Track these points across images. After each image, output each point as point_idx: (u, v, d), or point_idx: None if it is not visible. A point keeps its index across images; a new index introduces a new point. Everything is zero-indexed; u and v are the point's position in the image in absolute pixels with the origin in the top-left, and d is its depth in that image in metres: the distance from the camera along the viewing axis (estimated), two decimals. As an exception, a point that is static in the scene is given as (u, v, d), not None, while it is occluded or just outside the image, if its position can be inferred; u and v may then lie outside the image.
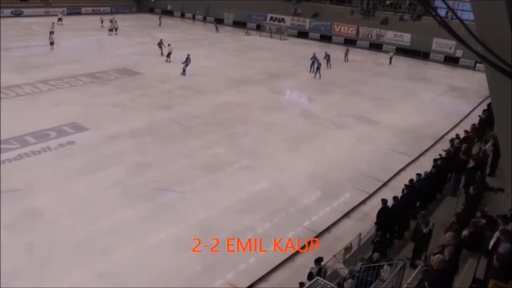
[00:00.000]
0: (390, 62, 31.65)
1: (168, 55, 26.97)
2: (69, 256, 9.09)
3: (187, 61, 24.40)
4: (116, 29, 36.22)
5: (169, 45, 27.46)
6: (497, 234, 6.44)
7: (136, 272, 8.79)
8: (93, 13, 44.85)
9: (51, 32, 29.61)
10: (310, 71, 26.03)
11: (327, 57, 27.67)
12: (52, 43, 28.80)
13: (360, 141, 16.54)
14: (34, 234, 9.69)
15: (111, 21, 36.37)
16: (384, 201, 9.59)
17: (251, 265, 9.32)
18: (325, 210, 11.71)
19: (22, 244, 9.31)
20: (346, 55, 31.50)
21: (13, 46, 28.39)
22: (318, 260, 7.98)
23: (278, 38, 39.16)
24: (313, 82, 24.53)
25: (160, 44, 28.74)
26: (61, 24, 37.27)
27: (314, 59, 25.93)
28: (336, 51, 32.01)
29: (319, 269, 7.80)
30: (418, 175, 10.93)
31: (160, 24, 42.38)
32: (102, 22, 38.45)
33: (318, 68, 25.35)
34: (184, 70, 24.33)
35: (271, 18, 43.91)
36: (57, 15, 39.72)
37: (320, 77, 25.10)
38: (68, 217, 10.41)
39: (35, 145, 14.07)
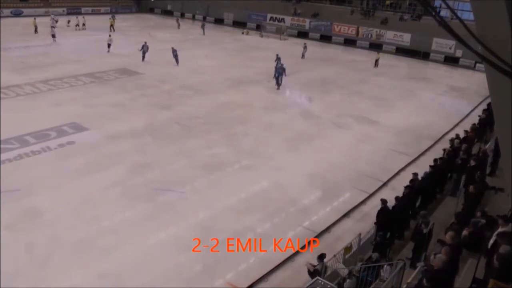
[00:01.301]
0: (376, 65, 29.87)
1: (108, 46, 28.45)
2: (69, 256, 9.09)
3: (143, 48, 26.42)
4: (84, 24, 37.78)
5: (109, 35, 29.33)
6: (495, 235, 6.44)
7: (136, 272, 8.79)
8: (93, 13, 44.82)
9: (52, 27, 31.12)
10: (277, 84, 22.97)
11: (278, 60, 24.62)
12: (53, 35, 30.47)
13: (360, 141, 16.54)
14: (34, 234, 9.68)
15: (69, 21, 38.31)
16: (383, 201, 9.60)
17: (251, 265, 9.31)
18: (325, 210, 11.70)
19: (22, 244, 9.30)
20: (303, 52, 31.00)
21: (13, 46, 28.36)
22: (321, 257, 7.95)
23: (277, 38, 39.12)
24: (313, 82, 24.51)
25: (174, 54, 26.29)
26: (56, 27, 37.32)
27: (280, 69, 23.07)
28: (312, 47, 32.20)
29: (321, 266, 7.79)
30: (415, 174, 10.93)
31: (178, 27, 41.73)
32: (56, 21, 38.46)
33: (277, 78, 22.65)
34: (143, 57, 26.32)
35: (271, 18, 43.90)
36: (50, 15, 39.75)
37: (279, 88, 22.63)
38: (68, 217, 10.40)
39: (35, 145, 14.07)
